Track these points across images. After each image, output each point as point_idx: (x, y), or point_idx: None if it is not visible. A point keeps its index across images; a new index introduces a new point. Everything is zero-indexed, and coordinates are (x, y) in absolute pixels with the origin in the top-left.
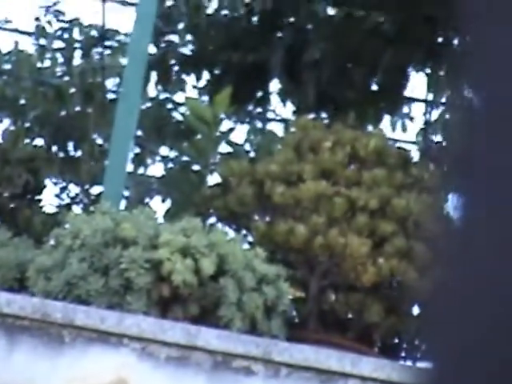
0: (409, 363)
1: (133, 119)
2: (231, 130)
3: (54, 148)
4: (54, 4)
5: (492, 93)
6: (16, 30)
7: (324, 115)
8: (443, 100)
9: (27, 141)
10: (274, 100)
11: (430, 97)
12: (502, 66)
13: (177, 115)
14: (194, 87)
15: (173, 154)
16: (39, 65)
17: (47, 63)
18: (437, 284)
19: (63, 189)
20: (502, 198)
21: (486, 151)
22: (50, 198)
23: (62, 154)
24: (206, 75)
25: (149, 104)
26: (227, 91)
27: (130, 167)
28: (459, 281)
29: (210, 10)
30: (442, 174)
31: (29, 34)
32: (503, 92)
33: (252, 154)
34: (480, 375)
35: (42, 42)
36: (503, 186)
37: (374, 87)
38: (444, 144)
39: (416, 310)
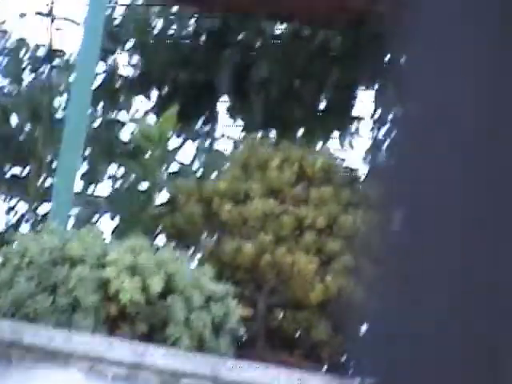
0: (357, 381)
1: (80, 138)
2: (178, 148)
3: (2, 166)
4: (2, 23)
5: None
6: None
7: (272, 134)
8: (390, 117)
9: None
10: (222, 118)
11: (378, 114)
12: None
13: (125, 135)
14: (141, 104)
15: (121, 172)
16: None
17: None
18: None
19: (11, 208)
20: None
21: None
22: None
23: (10, 173)
24: (153, 94)
25: (97, 123)
26: (174, 109)
27: (78, 186)
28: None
29: (157, 29)
30: (387, 192)
31: None
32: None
33: (200, 173)
34: None
35: None
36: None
37: (322, 105)
38: (388, 161)
39: (363, 328)
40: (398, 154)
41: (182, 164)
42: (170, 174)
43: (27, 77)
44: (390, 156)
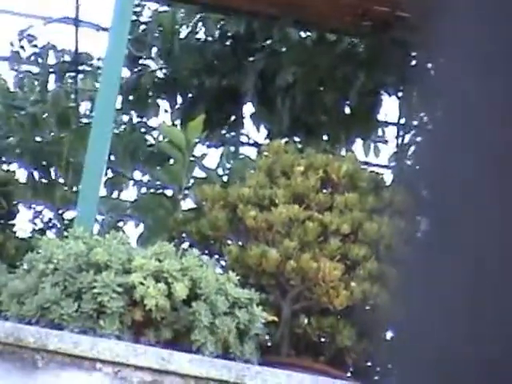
0: None
1: (106, 143)
2: (204, 155)
3: (28, 173)
4: (28, 28)
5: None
6: None
7: (297, 139)
8: (415, 123)
9: (1, 166)
10: (247, 124)
11: (403, 120)
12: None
13: (150, 139)
14: (166, 111)
15: (146, 178)
16: (13, 90)
17: (21, 88)
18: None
19: (37, 214)
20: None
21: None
22: (23, 223)
23: (36, 179)
24: (179, 99)
25: (122, 128)
26: (201, 117)
27: (103, 191)
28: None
29: (183, 34)
30: (413, 198)
31: (3, 58)
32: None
33: (225, 178)
34: None
35: (16, 67)
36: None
37: (347, 111)
38: (414, 167)
39: (389, 334)
40: (424, 159)
41: (207, 169)
42: (195, 179)
43: (54, 81)
44: (416, 162)
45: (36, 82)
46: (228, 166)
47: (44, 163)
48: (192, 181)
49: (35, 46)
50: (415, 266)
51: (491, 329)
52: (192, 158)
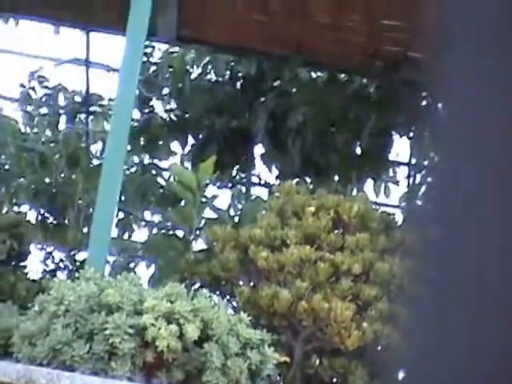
0: None
1: (117, 184)
2: (215, 196)
3: (39, 214)
4: (39, 70)
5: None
6: (0, 96)
7: (307, 179)
8: (426, 164)
9: (12, 207)
10: (258, 164)
11: (414, 160)
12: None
13: (161, 181)
14: (175, 153)
15: (157, 219)
16: (24, 131)
17: (32, 129)
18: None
19: (48, 255)
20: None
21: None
22: (34, 264)
23: (47, 220)
24: (190, 140)
25: (133, 169)
26: (212, 159)
27: (114, 232)
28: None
29: (193, 75)
30: (424, 238)
31: (13, 100)
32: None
33: (236, 219)
34: None
35: (27, 108)
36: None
37: (358, 151)
38: (425, 207)
39: (400, 374)
40: (435, 200)
41: (218, 210)
42: (206, 220)
43: (65, 122)
44: (427, 202)
45: (46, 123)
46: (239, 206)
47: (55, 204)
48: (203, 222)
49: (46, 87)
50: (425, 306)
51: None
52: (203, 199)
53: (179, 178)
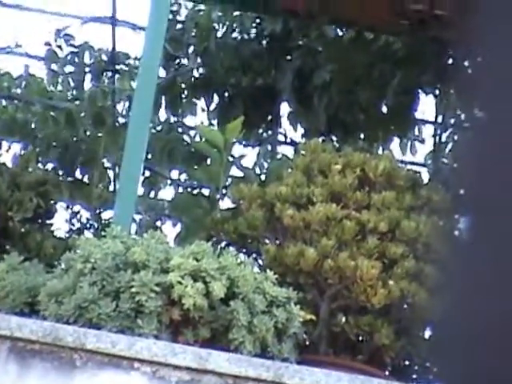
0: None
1: (143, 143)
2: (242, 156)
3: (65, 172)
4: (65, 28)
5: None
6: (26, 55)
7: (333, 138)
8: (453, 122)
9: (38, 165)
10: (284, 123)
11: (440, 119)
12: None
13: (187, 139)
14: (203, 110)
15: (183, 177)
16: (50, 89)
17: (58, 87)
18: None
19: (74, 214)
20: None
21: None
22: (61, 223)
23: (72, 179)
24: (215, 98)
25: (159, 128)
26: (239, 119)
27: (140, 191)
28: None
29: (219, 33)
30: (451, 196)
31: (39, 58)
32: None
33: (262, 177)
34: None
35: (53, 66)
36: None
37: (384, 109)
38: (452, 166)
39: (427, 332)
40: (463, 157)
41: (244, 168)
42: (232, 178)
43: (90, 81)
44: (454, 160)
45: (72, 82)
46: (265, 165)
47: (80, 163)
48: (229, 180)
49: (72, 45)
50: (454, 264)
51: None
52: (229, 158)
53: (206, 136)
